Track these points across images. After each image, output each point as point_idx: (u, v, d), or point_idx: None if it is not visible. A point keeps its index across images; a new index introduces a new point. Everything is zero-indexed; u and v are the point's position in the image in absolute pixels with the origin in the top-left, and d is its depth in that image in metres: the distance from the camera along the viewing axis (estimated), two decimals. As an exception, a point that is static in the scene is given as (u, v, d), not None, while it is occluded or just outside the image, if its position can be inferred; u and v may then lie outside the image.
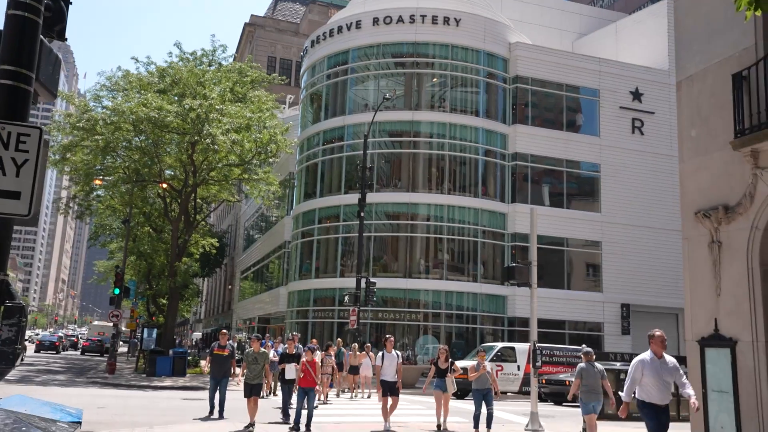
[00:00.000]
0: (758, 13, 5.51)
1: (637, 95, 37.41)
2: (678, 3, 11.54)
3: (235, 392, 14.79)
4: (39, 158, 4.44)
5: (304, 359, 12.35)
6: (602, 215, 35.95)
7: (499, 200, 34.95)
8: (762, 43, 9.80)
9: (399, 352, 13.85)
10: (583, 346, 21.32)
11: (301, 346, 17.47)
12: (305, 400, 12.02)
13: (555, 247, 34.55)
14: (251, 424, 12.42)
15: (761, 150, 9.35)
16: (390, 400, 12.98)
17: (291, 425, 12.38)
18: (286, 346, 14.64)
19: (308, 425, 12.13)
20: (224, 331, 15.19)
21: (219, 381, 14.23)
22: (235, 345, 23.05)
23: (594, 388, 11.14)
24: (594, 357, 11.78)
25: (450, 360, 13.50)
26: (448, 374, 13.26)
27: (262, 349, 13.40)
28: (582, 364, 11.31)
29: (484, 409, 12.70)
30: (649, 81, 37.63)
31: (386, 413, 12.90)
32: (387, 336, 14.22)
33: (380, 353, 13.45)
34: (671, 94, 33.07)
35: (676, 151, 11.65)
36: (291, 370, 13.12)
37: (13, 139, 4.35)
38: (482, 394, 12.69)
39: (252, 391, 12.80)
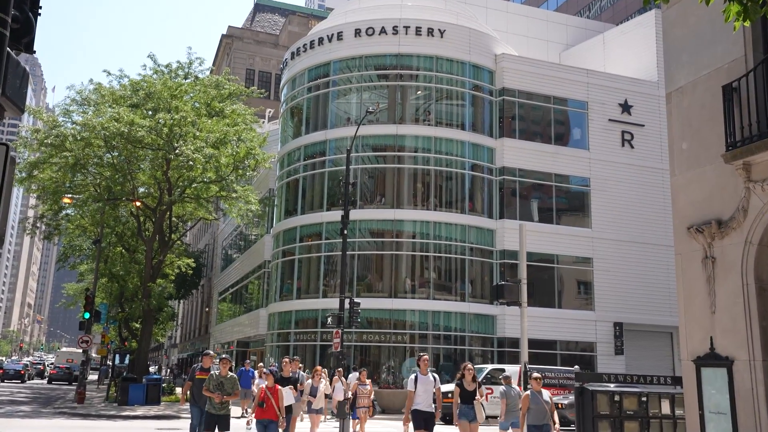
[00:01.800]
0: (747, 23, 5.61)
1: (626, 107, 37.83)
2: (666, 14, 11.71)
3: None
4: (5, 176, 4.39)
5: (263, 385, 10.77)
6: (593, 231, 36.14)
7: (486, 216, 35.03)
8: (752, 53, 9.95)
9: (436, 375, 11.69)
10: (576, 367, 21.36)
11: (302, 372, 16.91)
12: None
13: (545, 265, 34.64)
14: None
15: (754, 163, 9.46)
16: None
17: None
18: (273, 369, 14.36)
19: None
20: (208, 351, 13.98)
21: (202, 409, 12.64)
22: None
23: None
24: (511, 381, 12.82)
25: (477, 380, 11.69)
26: (477, 398, 11.28)
27: (230, 374, 11.28)
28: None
29: None
30: (638, 93, 38.09)
31: None
32: (421, 354, 11.90)
33: (412, 376, 11.14)
34: (661, 106, 33.51)
35: (667, 164, 11.74)
36: (288, 396, 12.20)
37: (-23, 157, 4.30)
38: None
39: (218, 425, 10.75)
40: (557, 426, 10.43)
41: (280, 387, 10.83)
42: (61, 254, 42.63)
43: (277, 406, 10.40)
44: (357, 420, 16.46)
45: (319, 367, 16.44)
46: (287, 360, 14.42)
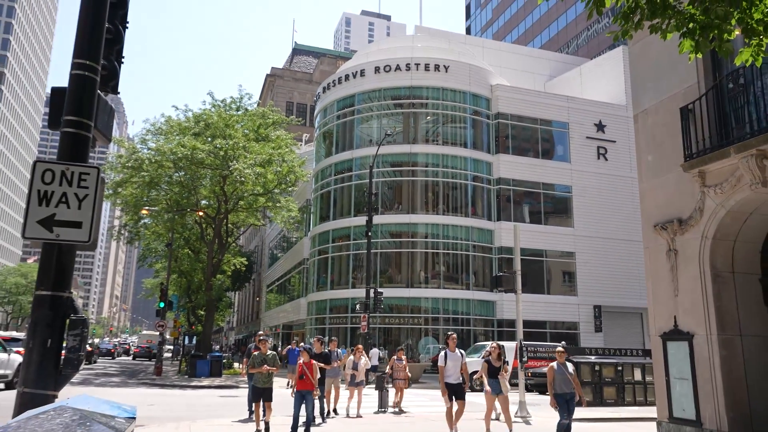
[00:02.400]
0: (699, 55, 5.59)
1: (600, 127, 37.54)
2: (632, 49, 11.67)
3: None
4: (97, 193, 4.50)
5: (301, 361, 10.26)
6: (575, 230, 35.86)
7: (486, 219, 34.91)
8: (703, 81, 9.89)
9: (463, 351, 10.91)
10: (563, 342, 21.19)
11: (339, 350, 15.48)
12: (302, 405, 9.93)
13: (535, 258, 34.43)
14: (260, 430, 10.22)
15: (707, 171, 9.39)
16: (456, 405, 10.26)
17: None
18: (308, 347, 13.59)
19: (307, 429, 9.96)
20: (260, 333, 13.45)
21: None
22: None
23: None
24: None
25: (504, 358, 11.14)
26: (502, 373, 10.83)
27: (270, 352, 10.80)
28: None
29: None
30: (610, 114, 37.78)
31: (452, 420, 10.17)
32: (449, 333, 11.05)
33: (442, 353, 10.49)
34: (629, 125, 33.20)
35: (636, 173, 11.68)
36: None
37: (76, 178, 4.42)
38: (564, 399, 9.30)
39: (261, 396, 10.36)
40: (584, 397, 9.59)
41: (315, 362, 10.40)
42: (141, 255, 43.22)
43: (312, 378, 10.04)
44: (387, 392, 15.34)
45: (360, 345, 15.40)
46: (318, 339, 13.62)
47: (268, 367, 10.32)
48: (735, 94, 9.36)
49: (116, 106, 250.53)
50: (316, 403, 11.32)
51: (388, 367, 15.26)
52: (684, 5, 5.31)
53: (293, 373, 21.29)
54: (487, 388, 10.57)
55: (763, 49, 5.32)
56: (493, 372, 10.66)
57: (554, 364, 9.51)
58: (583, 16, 60.22)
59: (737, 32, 5.36)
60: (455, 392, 10.14)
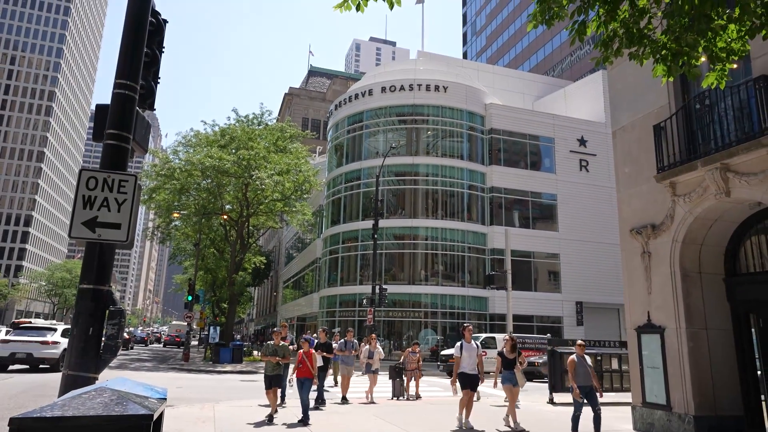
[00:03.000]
0: (671, 78, 5.60)
1: (582, 142, 37.46)
2: (610, 73, 11.68)
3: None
4: (134, 198, 4.55)
5: (301, 351, 9.80)
6: (559, 233, 35.75)
7: (480, 223, 34.86)
8: (674, 101, 9.89)
9: (479, 343, 10.18)
10: (548, 335, 21.10)
11: (356, 341, 14.21)
12: (302, 390, 9.44)
13: (524, 259, 34.33)
14: (271, 416, 9.69)
15: (677, 182, 9.38)
16: (462, 395, 9.44)
17: (300, 418, 9.41)
18: (310, 338, 12.58)
19: (305, 414, 9.37)
20: (282, 324, 12.67)
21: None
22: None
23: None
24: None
25: (518, 350, 10.30)
26: (517, 366, 10.00)
27: (282, 343, 10.38)
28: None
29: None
30: (591, 131, 37.71)
31: (465, 408, 9.39)
32: (465, 324, 10.14)
33: (458, 344, 9.57)
34: (608, 141, 33.12)
35: (614, 183, 11.67)
36: (320, 359, 11.67)
37: (116, 184, 4.47)
38: (585, 392, 8.48)
39: (271, 383, 9.98)
40: (600, 389, 8.77)
41: (314, 352, 10.02)
42: (171, 254, 43.30)
43: (311, 366, 9.64)
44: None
45: (373, 335, 14.32)
46: (323, 329, 12.95)
47: (277, 358, 10.05)
48: (702, 114, 9.35)
49: (152, 121, 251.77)
50: (312, 391, 10.73)
51: (402, 358, 14.28)
52: (657, 35, 5.34)
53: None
54: (501, 384, 9.83)
55: (726, 73, 5.35)
56: (508, 364, 9.82)
57: (575, 356, 8.70)
58: (567, 43, 60.19)
59: (704, 59, 5.38)
60: (470, 383, 9.25)
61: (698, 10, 4.65)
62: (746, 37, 4.92)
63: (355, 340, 13.73)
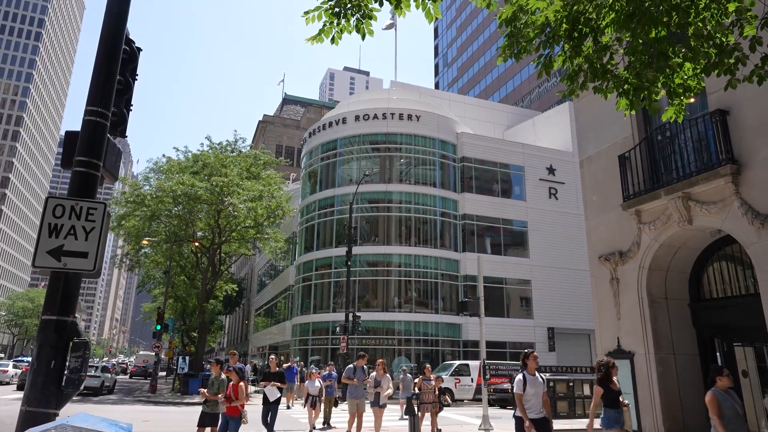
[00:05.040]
0: (633, 111, 5.81)
1: (551, 170, 38.34)
2: (577, 105, 12.06)
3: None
4: (103, 226, 4.44)
5: (231, 383, 8.35)
6: (531, 260, 36.16)
7: (453, 250, 35.03)
8: (637, 133, 10.24)
9: (544, 375, 7.41)
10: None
11: (365, 366, 11.65)
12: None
13: (496, 285, 34.52)
14: None
15: (643, 210, 9.63)
16: None
17: None
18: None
19: None
20: (232, 351, 11.12)
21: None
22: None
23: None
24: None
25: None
26: (623, 401, 6.82)
27: (223, 375, 8.75)
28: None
29: None
30: (559, 160, 38.66)
31: None
32: (529, 351, 7.17)
33: (519, 377, 6.91)
34: (576, 170, 34.01)
35: (583, 210, 11.91)
36: (271, 392, 10.00)
37: (84, 212, 4.36)
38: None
39: (204, 421, 8.44)
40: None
41: (241, 384, 8.45)
42: (140, 282, 42.08)
43: (237, 401, 8.21)
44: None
45: (381, 360, 11.56)
46: (274, 357, 11.21)
47: (218, 395, 8.40)
48: (663, 145, 9.71)
49: (123, 147, 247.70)
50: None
51: (416, 388, 11.96)
52: (620, 70, 5.56)
53: (290, 392, 20.24)
54: (604, 430, 6.78)
55: (684, 108, 5.60)
56: (613, 400, 6.73)
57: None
58: (535, 75, 62.21)
59: (663, 93, 5.62)
60: (540, 429, 6.58)
61: (657, 49, 4.88)
62: (701, 74, 5.17)
63: (365, 366, 11.43)
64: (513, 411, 6.93)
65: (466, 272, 34.21)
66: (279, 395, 10.25)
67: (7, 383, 30.89)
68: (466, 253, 34.71)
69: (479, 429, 13.35)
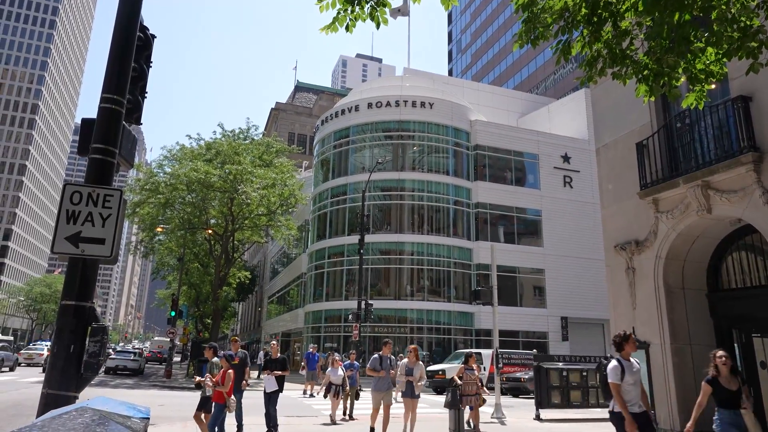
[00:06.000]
0: (653, 98, 5.72)
1: (566, 158, 37.96)
2: (594, 91, 11.89)
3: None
4: (119, 213, 4.49)
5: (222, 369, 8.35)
6: (544, 249, 35.98)
7: (466, 239, 34.96)
8: (656, 120, 10.07)
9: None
10: (534, 350, 21.13)
11: (393, 357, 10.29)
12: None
13: (509, 274, 34.44)
14: None
15: (660, 199, 9.51)
16: None
17: None
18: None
19: None
20: (234, 337, 10.65)
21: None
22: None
23: None
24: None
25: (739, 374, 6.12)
26: (745, 403, 5.73)
27: (214, 359, 8.87)
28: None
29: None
30: (574, 148, 38.24)
31: None
32: (625, 332, 6.11)
33: (613, 364, 5.86)
34: (592, 158, 33.63)
35: (598, 199, 11.80)
36: (269, 381, 9.63)
37: (101, 199, 4.41)
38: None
39: (203, 406, 8.42)
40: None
41: (230, 371, 8.33)
42: (155, 268, 42.70)
43: (223, 387, 8.18)
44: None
45: (414, 346, 10.27)
46: (275, 342, 10.73)
47: (203, 378, 8.49)
48: (683, 132, 9.55)
49: (137, 135, 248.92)
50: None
51: (456, 375, 10.99)
52: (639, 55, 5.46)
53: (312, 380, 19.13)
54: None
55: (705, 94, 5.48)
56: (728, 400, 5.75)
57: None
58: (551, 61, 61.37)
59: (683, 79, 5.51)
60: (642, 427, 5.60)
61: (678, 33, 4.77)
62: (724, 59, 5.06)
63: (392, 356, 10.13)
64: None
65: (479, 261, 34.15)
66: (277, 387, 9.71)
67: (42, 366, 31.72)
68: (479, 241, 34.63)
69: (492, 417, 13.41)
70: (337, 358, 13.85)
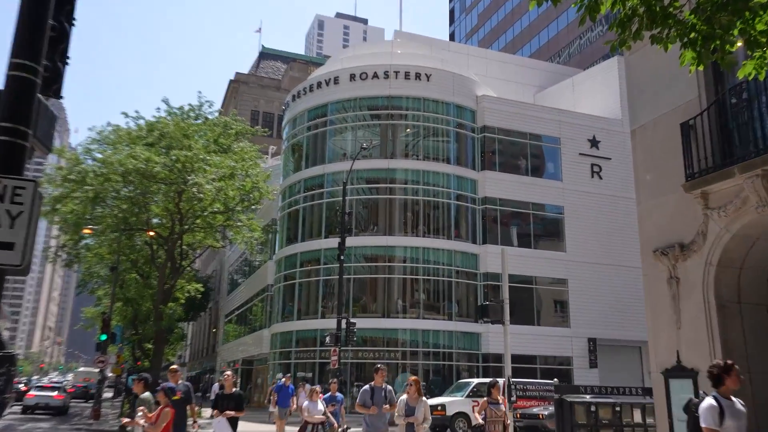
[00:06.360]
0: (701, 67, 5.73)
1: (594, 143, 38.24)
2: (628, 59, 11.93)
3: None
4: (33, 210, 4.40)
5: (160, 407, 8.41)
6: (567, 254, 36.22)
7: (470, 242, 35.09)
8: (705, 95, 10.13)
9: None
10: (555, 380, 21.24)
11: (390, 388, 9.88)
12: None
13: (524, 286, 34.62)
14: None
15: (710, 192, 9.56)
16: None
17: None
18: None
19: None
20: (174, 366, 10.87)
21: None
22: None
23: None
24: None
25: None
26: None
27: (145, 394, 8.98)
28: None
29: None
30: (604, 129, 38.54)
31: None
32: (726, 362, 5.93)
33: (709, 402, 5.69)
34: (625, 141, 33.85)
35: (633, 193, 11.85)
36: (220, 426, 9.52)
37: (9, 192, 4.32)
38: None
39: None
40: None
41: (167, 409, 8.35)
42: (80, 280, 42.21)
43: (154, 425, 8.14)
44: None
45: (415, 377, 9.83)
46: (230, 373, 10.59)
47: (127, 420, 8.64)
48: (738, 110, 9.61)
49: (58, 112, 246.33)
50: None
51: (477, 412, 10.69)
52: (685, 14, 5.47)
53: (284, 418, 18.71)
54: None
55: (766, 62, 5.49)
56: None
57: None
58: (576, 23, 61.74)
59: (740, 44, 5.53)
60: None
61: (734, -14, 4.79)
62: (791, 18, 5.09)
63: (389, 387, 9.87)
64: None
65: (487, 269, 34.29)
66: (231, 429, 9.56)
67: None
68: (487, 245, 34.77)
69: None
70: (317, 389, 13.66)
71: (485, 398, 10.62)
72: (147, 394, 8.90)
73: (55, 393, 30.57)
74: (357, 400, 9.74)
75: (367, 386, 9.79)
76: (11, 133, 4.40)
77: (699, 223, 9.76)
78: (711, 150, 9.65)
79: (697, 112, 9.97)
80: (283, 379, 21.03)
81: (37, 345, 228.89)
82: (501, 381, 20.23)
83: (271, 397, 21.47)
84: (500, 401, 10.53)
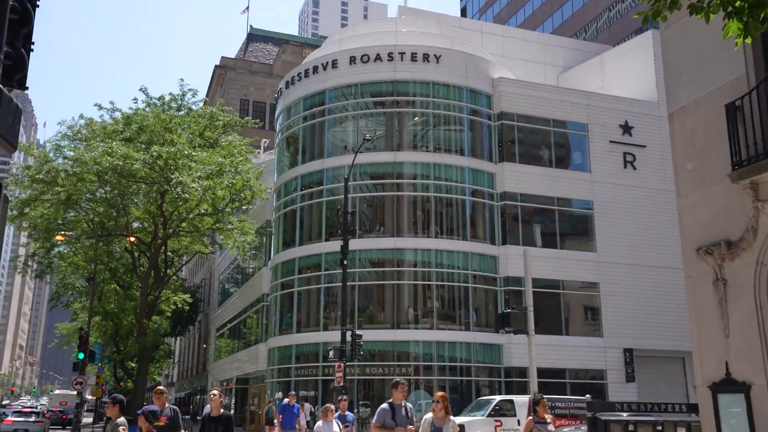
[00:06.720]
0: (748, 40, 5.66)
1: (627, 129, 38.05)
2: (664, 34, 11.83)
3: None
4: (-3, 215, 4.37)
5: None
6: (598, 255, 36.07)
7: (489, 243, 35.00)
8: (753, 71, 10.03)
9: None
10: (587, 396, 21.16)
11: (409, 406, 9.72)
12: None
13: (550, 291, 34.50)
14: None
15: (761, 182, 9.46)
16: None
17: None
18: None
19: None
20: (159, 388, 10.94)
21: None
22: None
23: None
24: None
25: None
26: None
27: (120, 419, 8.96)
28: None
29: None
30: (638, 114, 38.34)
31: None
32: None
33: None
34: (662, 127, 33.68)
35: (672, 185, 11.78)
36: None
37: (-31, 196, 4.29)
38: None
39: None
40: None
41: None
42: (54, 293, 42.46)
43: None
44: None
45: (441, 393, 9.49)
46: (217, 392, 10.56)
47: None
48: (792, 88, 9.52)
49: (23, 105, 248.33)
50: None
51: None
52: (730, -21, 5.39)
53: None
54: None
55: (827, 32, 5.40)
56: None
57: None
58: (603, -6, 61.52)
59: (794, 12, 5.45)
60: None
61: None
62: None
63: (408, 404, 9.73)
64: None
65: (508, 273, 34.22)
66: None
67: None
68: (507, 246, 34.70)
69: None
70: (331, 407, 13.36)
71: (530, 417, 10.50)
72: (122, 419, 8.84)
73: (34, 418, 31.13)
74: (374, 421, 9.52)
75: (385, 404, 9.62)
76: (-30, 129, 4.38)
77: (748, 218, 9.68)
78: (761, 134, 9.55)
79: (744, 92, 9.88)
80: (287, 399, 21.13)
81: (7, 366, 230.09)
82: (526, 398, 20.20)
83: (276, 419, 21.63)
84: (548, 420, 10.38)
